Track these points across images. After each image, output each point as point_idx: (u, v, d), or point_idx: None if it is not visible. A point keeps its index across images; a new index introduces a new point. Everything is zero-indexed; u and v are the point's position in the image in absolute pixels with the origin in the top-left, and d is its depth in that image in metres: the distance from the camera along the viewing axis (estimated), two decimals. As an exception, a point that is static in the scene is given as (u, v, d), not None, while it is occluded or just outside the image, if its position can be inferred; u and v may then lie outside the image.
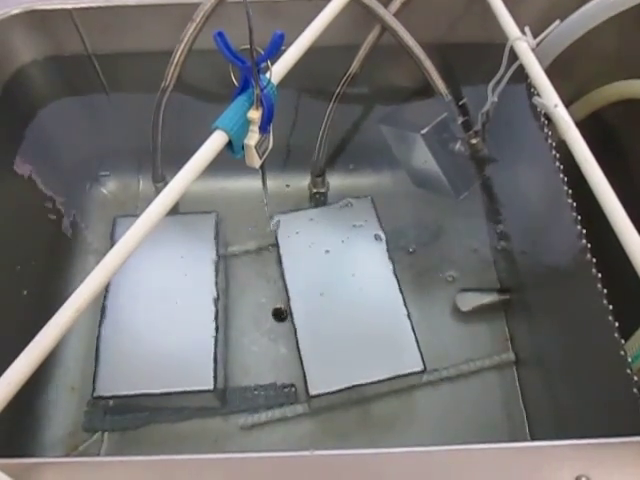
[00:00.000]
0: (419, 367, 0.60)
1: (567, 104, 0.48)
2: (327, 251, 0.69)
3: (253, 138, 0.45)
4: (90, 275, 0.36)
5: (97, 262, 0.37)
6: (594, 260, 0.47)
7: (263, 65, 0.42)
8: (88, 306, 0.36)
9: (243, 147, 0.45)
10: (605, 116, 0.66)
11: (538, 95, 0.49)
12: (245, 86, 0.44)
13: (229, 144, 0.44)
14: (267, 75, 0.44)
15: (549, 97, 0.47)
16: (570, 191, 0.51)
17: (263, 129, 0.45)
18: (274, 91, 0.45)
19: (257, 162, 0.47)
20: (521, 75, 0.59)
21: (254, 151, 0.45)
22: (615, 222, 0.38)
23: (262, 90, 0.43)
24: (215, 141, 0.42)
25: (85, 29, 0.62)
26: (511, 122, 0.62)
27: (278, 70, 0.47)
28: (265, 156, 0.48)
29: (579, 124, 0.46)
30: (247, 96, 0.44)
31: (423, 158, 0.63)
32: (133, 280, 0.66)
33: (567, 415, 0.55)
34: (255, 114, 0.43)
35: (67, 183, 0.72)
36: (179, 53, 0.59)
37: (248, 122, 0.44)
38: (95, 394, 0.59)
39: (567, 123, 0.45)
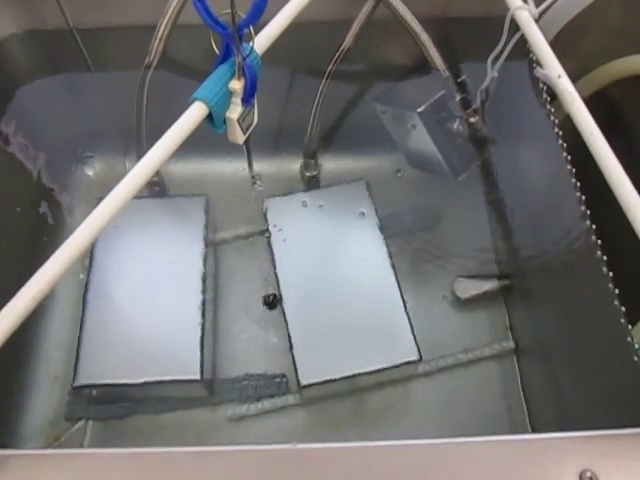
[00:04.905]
0: (414, 356, 0.58)
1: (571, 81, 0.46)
2: (319, 237, 0.66)
3: (235, 111, 0.42)
4: (52, 258, 0.34)
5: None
6: (599, 242, 0.44)
7: (246, 32, 0.40)
8: (48, 293, 0.33)
9: (225, 121, 0.43)
10: (611, 94, 0.63)
11: (540, 67, 0.46)
12: (227, 55, 0.41)
13: (209, 117, 0.41)
14: (250, 44, 0.41)
15: (552, 68, 0.44)
16: (574, 170, 0.49)
17: (246, 101, 0.42)
18: (258, 61, 0.42)
19: (240, 137, 0.44)
20: (522, 50, 0.56)
21: (237, 125, 0.43)
22: (622, 197, 0.36)
23: (244, 59, 0.40)
24: (193, 113, 0.40)
25: (66, 1, 0.59)
26: (512, 99, 0.60)
27: (262, 39, 0.44)
28: (249, 131, 0.45)
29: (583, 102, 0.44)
30: (229, 65, 0.41)
31: (420, 138, 0.60)
32: (118, 265, 0.63)
33: (570, 406, 0.53)
34: (237, 84, 0.41)
35: (50, 164, 0.69)
36: (163, 27, 0.57)
37: (230, 93, 0.42)
38: (76, 383, 0.56)
39: (571, 94, 0.42)
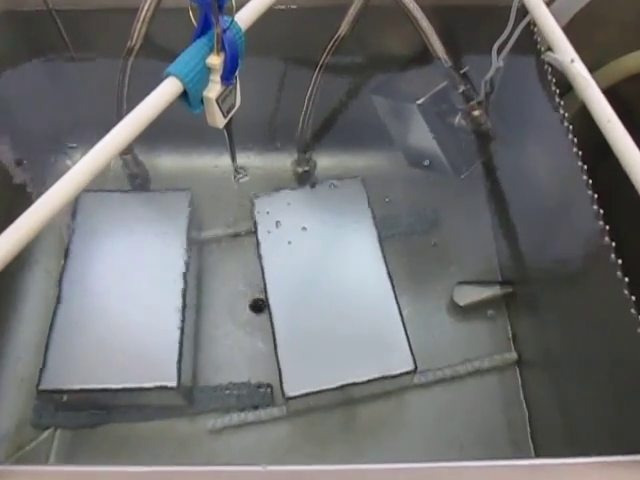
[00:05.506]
0: (409, 366, 0.55)
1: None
2: (311, 237, 0.63)
3: (214, 89, 0.39)
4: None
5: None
6: (613, 244, 0.41)
7: (227, 3, 0.36)
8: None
9: (203, 101, 0.39)
10: (625, 90, 0.60)
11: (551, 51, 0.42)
12: (205, 27, 0.38)
13: (185, 95, 0.37)
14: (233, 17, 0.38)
15: (564, 52, 0.41)
16: (585, 167, 0.46)
17: (226, 79, 0.38)
18: (241, 36, 0.39)
19: (220, 121, 0.41)
20: (530, 40, 0.53)
21: (216, 106, 0.39)
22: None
23: (224, 31, 0.37)
24: (166, 90, 0.36)
25: (45, -19, 0.56)
26: (518, 91, 0.57)
27: (246, 13, 0.41)
28: (230, 115, 0.42)
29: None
30: (207, 39, 0.38)
31: (419, 132, 0.57)
32: (93, 263, 0.60)
33: (579, 426, 0.49)
34: (216, 60, 0.37)
35: (30, 155, 0.66)
36: (146, 8, 0.54)
37: (208, 70, 0.38)
38: (41, 386, 0.52)
39: (585, 80, 0.38)
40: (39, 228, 0.32)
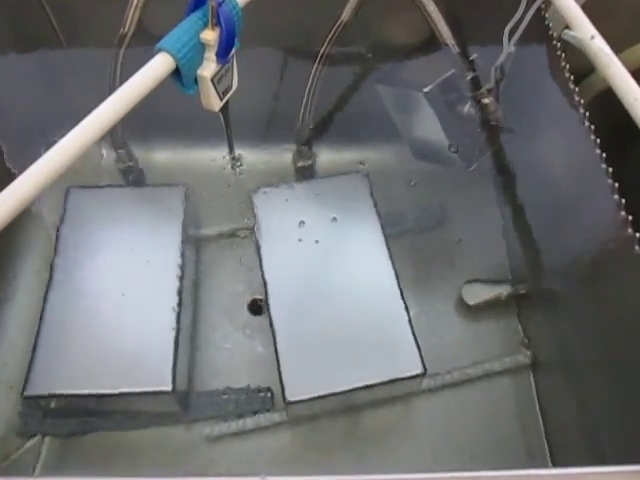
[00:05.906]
0: (418, 370, 0.53)
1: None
2: (313, 234, 0.61)
3: (209, 68, 0.36)
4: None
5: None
6: (637, 235, 0.39)
7: (222, -25, 0.34)
8: None
9: (197, 80, 0.36)
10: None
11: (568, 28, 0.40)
12: (199, 2, 0.35)
13: (177, 74, 0.35)
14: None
15: (583, 29, 0.38)
16: (604, 154, 0.44)
17: (221, 56, 0.36)
18: (238, 11, 0.37)
19: (216, 103, 0.38)
20: (542, 24, 0.51)
21: (211, 86, 0.37)
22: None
23: (219, 5, 0.34)
24: (156, 67, 0.34)
25: (33, -34, 0.55)
26: (530, 78, 0.55)
27: (244, -12, 0.38)
28: (227, 97, 0.39)
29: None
30: (202, 13, 0.36)
31: (426, 122, 0.55)
32: (85, 260, 0.58)
33: (600, 432, 0.46)
34: (210, 35, 0.35)
35: (17, 148, 0.64)
36: None
37: (202, 47, 0.35)
38: (27, 392, 0.50)
39: (608, 56, 0.36)
40: (26, 201, 0.30)
